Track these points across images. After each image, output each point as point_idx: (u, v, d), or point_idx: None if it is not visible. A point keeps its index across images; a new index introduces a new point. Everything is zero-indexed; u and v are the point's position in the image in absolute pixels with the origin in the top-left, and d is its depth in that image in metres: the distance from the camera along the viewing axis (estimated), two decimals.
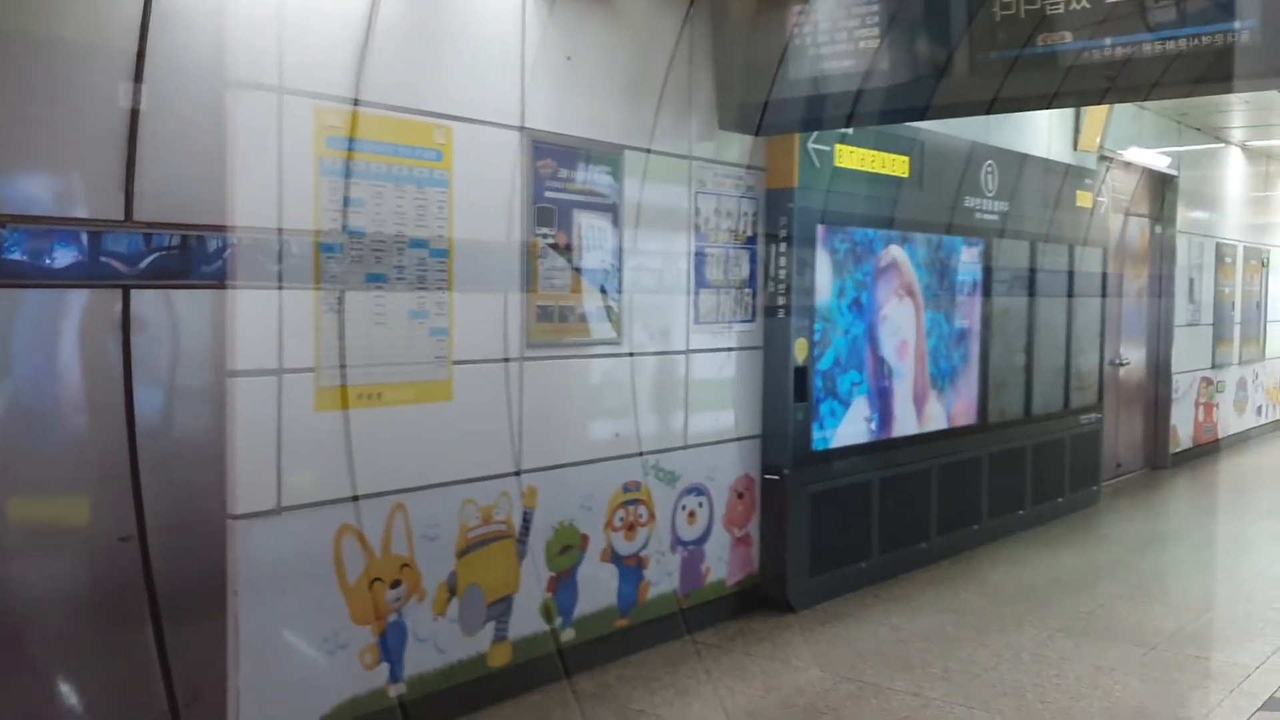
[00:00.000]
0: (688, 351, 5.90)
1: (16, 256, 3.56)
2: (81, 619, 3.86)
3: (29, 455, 3.74)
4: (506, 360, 4.95)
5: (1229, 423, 13.31)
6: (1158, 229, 11.66)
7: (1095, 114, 9.35)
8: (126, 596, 3.93)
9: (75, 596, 3.86)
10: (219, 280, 4.02)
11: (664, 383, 5.79)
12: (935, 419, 7.59)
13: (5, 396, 3.67)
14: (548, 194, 5.08)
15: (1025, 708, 5.01)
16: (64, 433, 3.83)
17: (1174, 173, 11.45)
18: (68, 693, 3.87)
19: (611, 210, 5.40)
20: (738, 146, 6.12)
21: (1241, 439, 13.61)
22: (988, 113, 5.42)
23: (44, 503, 3.84)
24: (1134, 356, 11.35)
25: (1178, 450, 11.95)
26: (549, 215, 5.09)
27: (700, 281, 5.94)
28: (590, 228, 5.30)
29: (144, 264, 3.87)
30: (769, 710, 4.95)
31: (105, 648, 3.91)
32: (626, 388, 5.56)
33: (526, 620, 5.09)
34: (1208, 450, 12.62)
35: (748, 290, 6.25)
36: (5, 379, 3.67)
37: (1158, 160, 10.96)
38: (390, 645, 4.52)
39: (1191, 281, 12.16)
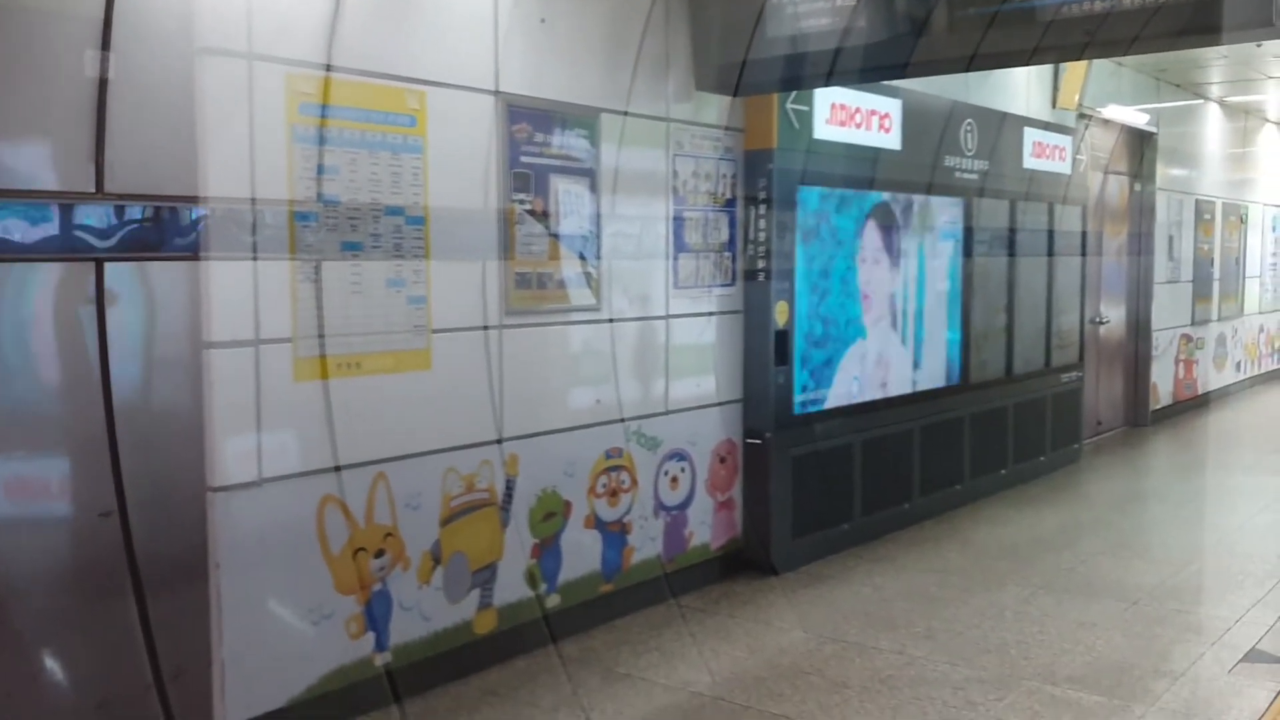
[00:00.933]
0: (668, 316, 5.89)
1: None
2: (64, 595, 3.84)
3: (5, 431, 3.70)
4: (486, 328, 4.92)
5: (1209, 379, 13.38)
6: (1137, 186, 11.67)
7: (1074, 71, 9.33)
8: (108, 572, 3.92)
9: (57, 573, 3.84)
10: (193, 252, 3.97)
11: (644, 348, 5.77)
12: (916, 380, 7.60)
13: None
14: (524, 159, 5.03)
15: (1009, 664, 5.05)
16: (41, 409, 3.79)
17: (1153, 130, 11.45)
18: (52, 668, 3.86)
19: (588, 175, 5.36)
20: (716, 108, 6.07)
21: (1221, 395, 13.70)
22: (967, 70, 5.38)
23: (23, 479, 3.81)
24: (1114, 315, 11.39)
25: (1158, 407, 12.02)
26: (525, 181, 5.05)
27: (679, 246, 5.91)
28: (567, 193, 5.26)
29: (116, 237, 3.82)
30: (753, 671, 4.97)
31: (88, 623, 3.89)
32: (607, 354, 5.54)
33: (511, 587, 5.09)
34: (1188, 407, 12.70)
35: (727, 254, 6.23)
36: None
37: (1136, 117, 10.95)
38: (375, 614, 4.51)
39: (1171, 239, 12.18)
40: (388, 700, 4.54)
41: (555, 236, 5.21)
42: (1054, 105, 9.31)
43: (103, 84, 3.75)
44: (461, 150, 4.77)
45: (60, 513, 3.87)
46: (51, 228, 3.66)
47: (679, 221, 5.89)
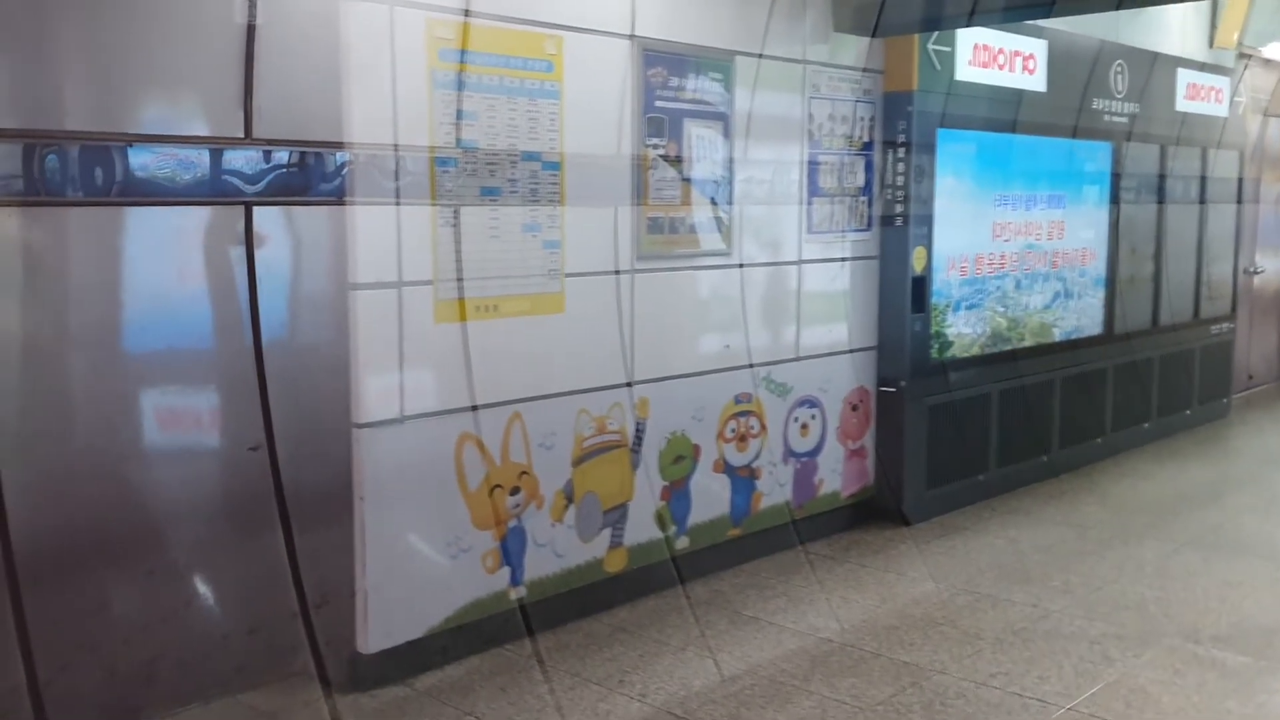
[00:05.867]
0: (800, 262, 5.83)
1: (142, 175, 3.66)
2: (215, 525, 4.03)
3: (160, 367, 3.88)
4: (618, 273, 4.95)
5: None
6: None
7: (1234, 7, 8.85)
8: (257, 503, 4.09)
9: (209, 503, 4.02)
10: (338, 196, 4.09)
11: (775, 294, 5.74)
12: (1058, 329, 7.40)
13: (138, 313, 3.80)
14: (658, 104, 5.02)
15: (1149, 621, 4.92)
16: (193, 346, 3.96)
17: None
18: (205, 594, 4.06)
19: (722, 119, 5.32)
20: (854, 49, 5.95)
21: None
22: (1118, 8, 5.16)
23: (176, 413, 4.00)
24: (1271, 265, 10.87)
25: None
26: (659, 126, 5.04)
27: (814, 190, 5.84)
28: (701, 138, 5.24)
29: (264, 181, 3.95)
30: (883, 620, 4.95)
31: (238, 553, 4.08)
32: (737, 299, 5.53)
33: (641, 528, 5.16)
34: None
35: (863, 198, 6.13)
36: (137, 296, 3.80)
37: None
38: (510, 550, 4.62)
39: None
40: (521, 634, 4.66)
41: (688, 181, 5.19)
42: (1211, 44, 8.86)
43: (251, 30, 3.86)
44: (597, 95, 4.78)
45: (211, 445, 4.05)
46: (202, 172, 3.80)
47: (814, 165, 5.82)
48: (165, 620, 3.91)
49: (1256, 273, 10.52)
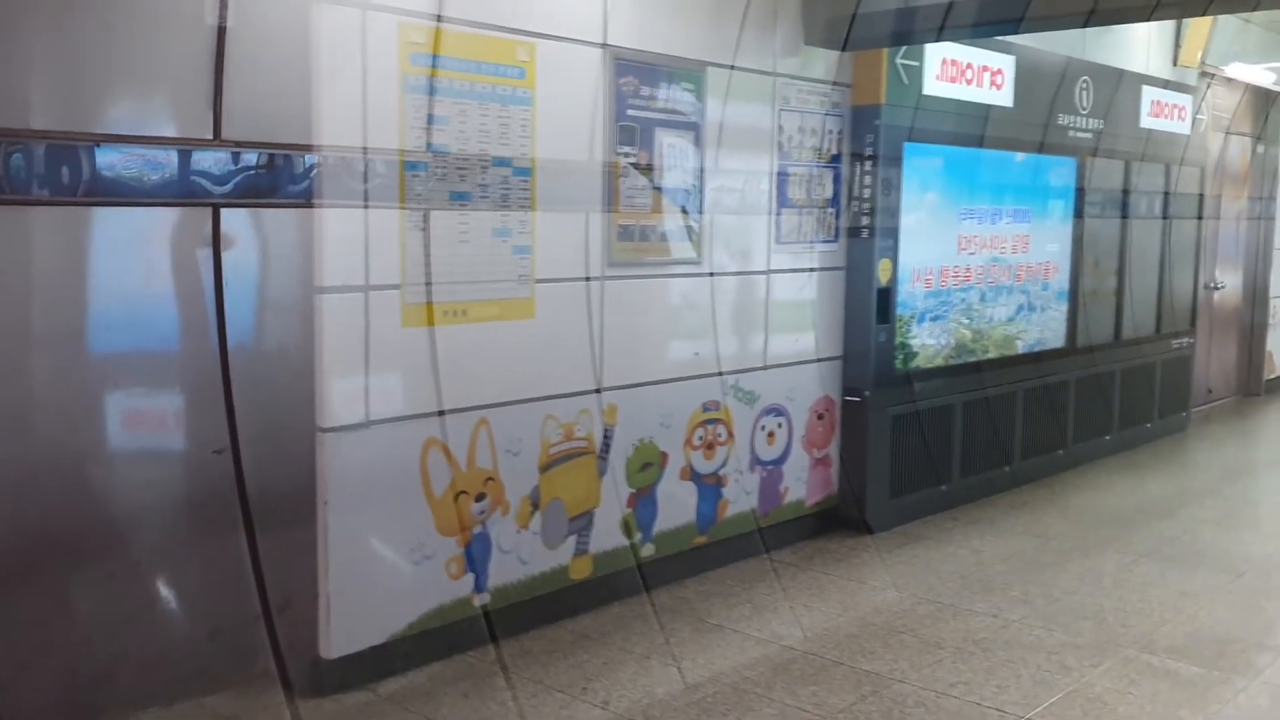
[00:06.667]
0: (768, 272, 5.87)
1: (108, 175, 3.64)
2: (178, 527, 4.00)
3: (125, 369, 3.86)
4: (588, 279, 4.96)
5: None
6: (1260, 149, 11.25)
7: (1198, 27, 8.99)
8: (220, 506, 4.07)
9: (172, 505, 3.99)
10: (306, 199, 4.07)
11: (744, 303, 5.77)
12: (1022, 342, 7.48)
13: (103, 313, 3.78)
14: (630, 112, 5.04)
15: (1106, 631, 4.99)
16: (158, 347, 3.93)
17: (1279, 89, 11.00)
18: (166, 597, 4.03)
19: (693, 129, 5.35)
20: (823, 62, 6.00)
21: None
22: (1085, 25, 5.23)
23: (141, 415, 3.97)
24: (1230, 281, 11.03)
25: (1272, 376, 11.64)
26: (631, 134, 5.06)
27: (783, 201, 5.88)
28: (672, 147, 5.26)
29: (232, 183, 3.93)
30: (846, 628, 4.99)
31: (200, 555, 4.05)
32: (706, 308, 5.55)
33: (607, 535, 5.17)
34: None
35: (831, 210, 6.17)
36: (102, 296, 3.77)
37: (1263, 76, 10.52)
38: (475, 556, 4.62)
39: None
40: (485, 640, 4.66)
41: (659, 190, 5.22)
42: (1175, 63, 8.99)
43: (221, 31, 3.84)
44: (569, 102, 4.80)
45: (175, 448, 4.03)
46: (170, 173, 3.77)
47: (783, 177, 5.86)
48: (127, 622, 3.88)
49: (1217, 288, 10.66)
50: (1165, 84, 8.72)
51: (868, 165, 6.17)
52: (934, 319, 6.70)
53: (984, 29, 5.86)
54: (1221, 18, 9.14)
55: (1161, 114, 8.69)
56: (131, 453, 3.93)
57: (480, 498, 4.62)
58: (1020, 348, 7.48)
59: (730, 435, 5.75)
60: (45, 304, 3.66)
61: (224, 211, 3.94)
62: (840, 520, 6.43)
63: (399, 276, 4.26)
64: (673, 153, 5.26)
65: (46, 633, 3.70)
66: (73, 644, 3.76)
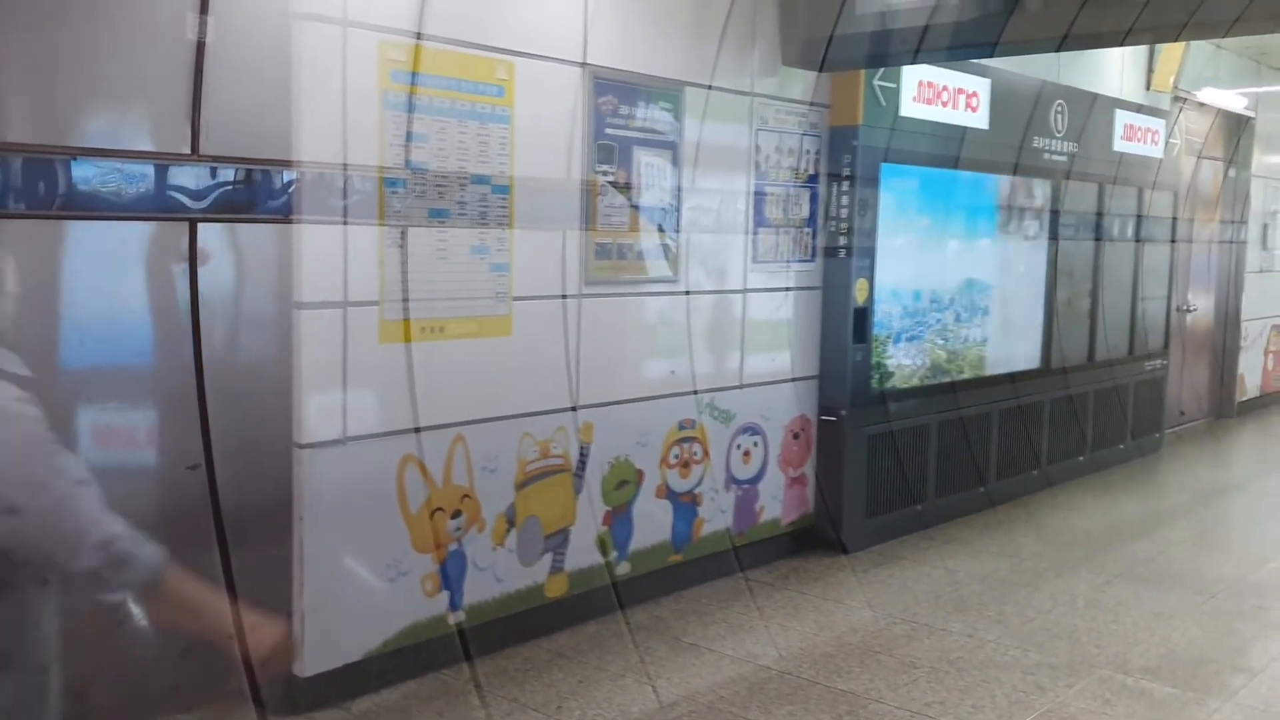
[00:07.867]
0: (745, 291, 5.89)
1: (85, 189, 3.62)
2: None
3: (100, 384, 3.83)
4: (565, 297, 4.97)
5: None
6: (1231, 173, 11.37)
7: (1170, 52, 9.10)
8: (194, 522, 4.04)
9: (144, 522, 3.95)
10: (284, 214, 4.07)
11: (720, 322, 5.78)
12: (997, 362, 7.52)
13: (78, 327, 3.76)
14: (608, 131, 5.06)
15: (1080, 651, 5.01)
16: (133, 362, 3.91)
17: (1251, 115, 11.14)
18: (137, 614, 3.99)
19: (671, 148, 5.37)
20: (801, 83, 6.04)
21: None
22: (1059, 49, 5.29)
23: (114, 430, 3.94)
24: (1202, 303, 11.14)
25: (1245, 399, 11.74)
26: (609, 153, 5.08)
27: (759, 220, 5.90)
28: (650, 166, 5.28)
29: (210, 198, 3.92)
30: (821, 647, 4.99)
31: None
32: (682, 326, 5.57)
33: (582, 553, 5.16)
34: (1276, 399, 12.39)
35: (807, 230, 6.20)
36: (78, 310, 3.75)
37: (1234, 101, 10.66)
38: (450, 574, 4.60)
39: (1265, 227, 11.86)
40: (460, 658, 4.64)
41: (636, 208, 5.23)
42: (1148, 87, 9.09)
43: (200, 47, 3.84)
44: (548, 121, 4.81)
45: (149, 463, 4.00)
46: (147, 187, 3.77)
47: (760, 196, 5.88)
48: (99, 639, 3.84)
49: (1189, 310, 10.76)
50: (1139, 108, 8.82)
51: (845, 185, 6.20)
52: (910, 339, 6.74)
53: (959, 52, 5.91)
54: (1194, 43, 9.25)
55: (1135, 137, 8.78)
56: (105, 468, 3.89)
57: (456, 515, 4.61)
58: (995, 368, 7.52)
59: (706, 454, 5.75)
60: (19, 317, 3.62)
61: (201, 226, 3.93)
62: (816, 540, 6.44)
63: (377, 293, 4.25)
64: (650, 171, 5.28)
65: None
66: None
